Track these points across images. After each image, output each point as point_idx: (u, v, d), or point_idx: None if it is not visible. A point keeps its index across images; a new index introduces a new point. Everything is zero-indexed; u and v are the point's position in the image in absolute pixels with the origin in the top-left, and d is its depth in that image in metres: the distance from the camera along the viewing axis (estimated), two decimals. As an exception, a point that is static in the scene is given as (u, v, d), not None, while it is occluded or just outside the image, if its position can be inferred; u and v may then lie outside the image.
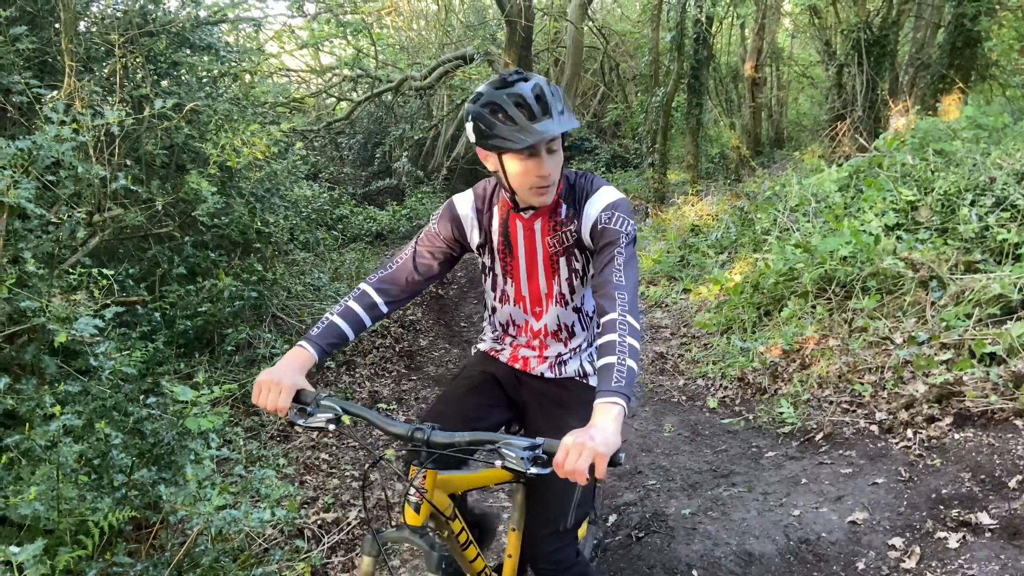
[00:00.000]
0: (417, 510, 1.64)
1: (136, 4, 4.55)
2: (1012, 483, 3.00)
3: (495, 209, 1.90)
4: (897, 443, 3.60)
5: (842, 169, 7.07)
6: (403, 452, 1.71)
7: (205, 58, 5.16)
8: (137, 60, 4.46)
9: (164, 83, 4.80)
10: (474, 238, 1.92)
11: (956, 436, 3.47)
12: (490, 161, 1.73)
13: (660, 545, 3.09)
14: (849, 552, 2.85)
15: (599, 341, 1.60)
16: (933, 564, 2.67)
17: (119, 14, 4.51)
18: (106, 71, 4.26)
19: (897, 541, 2.84)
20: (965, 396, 3.65)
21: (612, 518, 3.41)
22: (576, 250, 1.86)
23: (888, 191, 5.83)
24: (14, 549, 1.78)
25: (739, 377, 4.94)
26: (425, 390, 5.61)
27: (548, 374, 2.02)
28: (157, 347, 3.89)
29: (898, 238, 5.24)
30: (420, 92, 14.05)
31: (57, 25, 3.97)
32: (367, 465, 1.63)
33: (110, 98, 3.84)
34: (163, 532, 2.68)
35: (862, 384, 4.16)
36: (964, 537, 2.76)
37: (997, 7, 9.78)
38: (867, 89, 11.06)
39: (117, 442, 2.50)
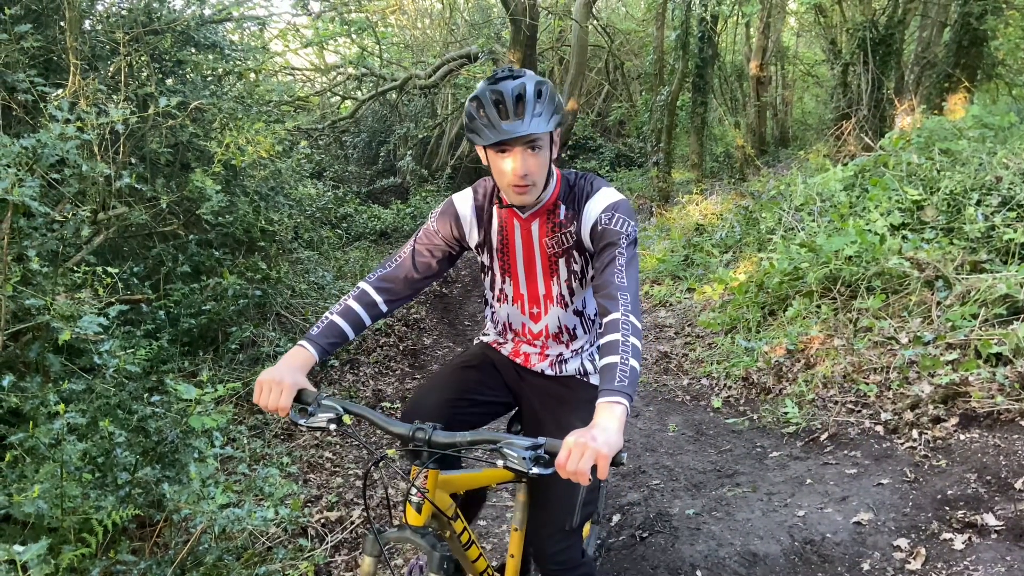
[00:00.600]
0: (419, 510, 1.64)
1: (141, 2, 4.55)
2: (1018, 484, 2.98)
3: (495, 208, 1.89)
4: (902, 444, 3.58)
5: (847, 168, 7.04)
6: (404, 452, 1.70)
7: (210, 56, 5.16)
8: (142, 58, 4.46)
9: (169, 81, 4.81)
10: (473, 237, 1.91)
11: (962, 437, 3.46)
12: (481, 155, 1.73)
13: (664, 545, 3.08)
14: (854, 553, 2.84)
15: (601, 341, 1.60)
16: (939, 565, 2.66)
17: (124, 12, 4.52)
18: (111, 69, 4.27)
19: (902, 542, 2.83)
20: (971, 397, 3.64)
21: (616, 518, 3.41)
22: (575, 252, 1.85)
23: (894, 190, 5.80)
24: (18, 548, 1.79)
25: (743, 377, 4.93)
26: (429, 389, 5.60)
27: (549, 371, 2.02)
28: (161, 345, 3.89)
29: (903, 238, 5.22)
30: (424, 91, 14.05)
31: (62, 23, 3.97)
32: (369, 465, 1.62)
33: (115, 96, 3.85)
34: (167, 530, 2.68)
35: (867, 384, 4.15)
36: (970, 538, 2.75)
37: (1003, 6, 9.72)
38: (872, 88, 11.01)
39: (121, 440, 2.51)
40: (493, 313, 2.06)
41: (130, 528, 2.65)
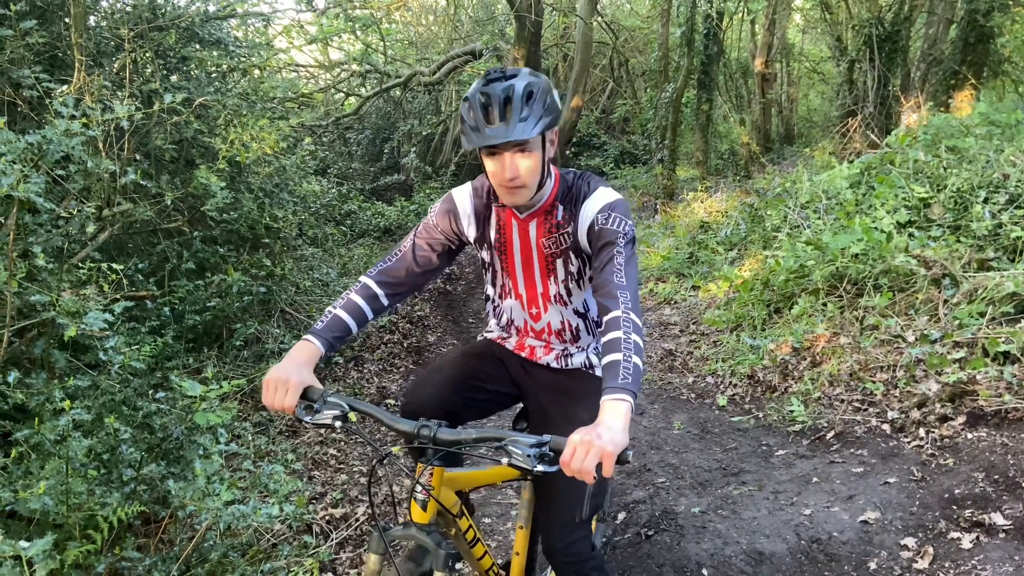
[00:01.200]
0: (424, 508, 1.63)
1: (145, -1, 4.55)
2: (1026, 483, 2.97)
3: (493, 205, 1.89)
4: (909, 442, 3.57)
5: (853, 166, 7.02)
6: (408, 449, 1.70)
7: (214, 53, 5.16)
8: (146, 55, 4.46)
9: (173, 78, 4.81)
10: (471, 233, 1.92)
11: (969, 436, 3.44)
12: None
13: (670, 543, 3.07)
14: (861, 552, 2.83)
15: (603, 339, 1.59)
16: (946, 564, 2.65)
17: (128, 9, 4.52)
18: (115, 65, 4.26)
19: (910, 541, 2.82)
20: (978, 395, 3.62)
21: (621, 516, 3.40)
22: (572, 253, 1.85)
23: (900, 188, 5.77)
24: (24, 543, 1.78)
25: (749, 375, 4.91)
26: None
27: (555, 364, 2.02)
28: (166, 342, 3.90)
29: (910, 235, 5.20)
30: (429, 88, 14.05)
31: (67, 19, 3.97)
32: (374, 462, 1.61)
33: (120, 92, 3.84)
34: (172, 527, 2.68)
35: (874, 382, 4.13)
36: (977, 537, 2.73)
37: (1010, 3, 9.66)
38: (878, 85, 10.97)
39: (126, 437, 2.51)
40: (496, 308, 2.06)
41: (135, 524, 2.65)
